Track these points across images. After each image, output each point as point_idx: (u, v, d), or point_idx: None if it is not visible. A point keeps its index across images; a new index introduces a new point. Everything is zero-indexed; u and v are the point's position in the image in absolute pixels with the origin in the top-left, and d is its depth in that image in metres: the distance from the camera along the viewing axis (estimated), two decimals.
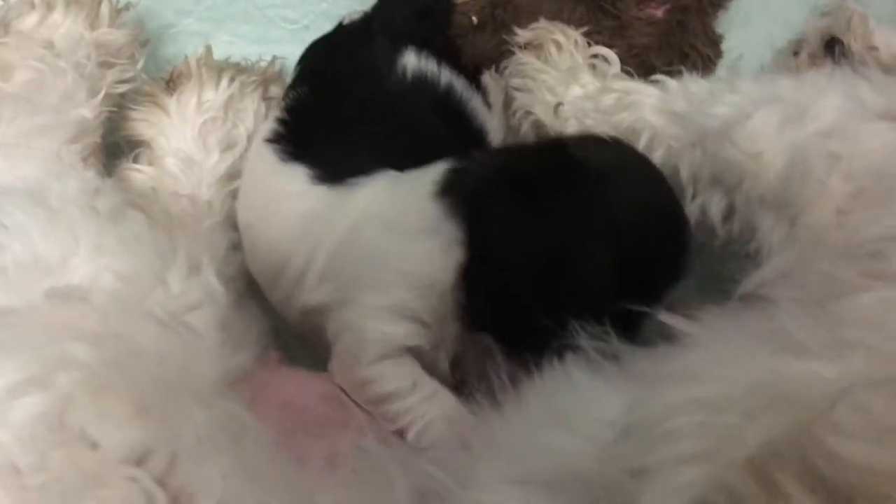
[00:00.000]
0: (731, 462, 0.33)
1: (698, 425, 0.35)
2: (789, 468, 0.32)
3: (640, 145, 0.75)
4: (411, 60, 0.77)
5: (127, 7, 0.82)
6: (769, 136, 0.62)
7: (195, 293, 0.53)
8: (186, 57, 0.82)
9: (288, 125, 0.76)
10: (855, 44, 0.81)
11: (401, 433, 0.62)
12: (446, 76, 0.78)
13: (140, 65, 0.81)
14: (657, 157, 0.73)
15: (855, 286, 0.48)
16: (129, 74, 0.79)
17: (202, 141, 0.78)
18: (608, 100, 0.80)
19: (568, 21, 0.86)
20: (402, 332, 0.64)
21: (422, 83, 0.77)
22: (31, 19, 0.75)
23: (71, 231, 0.53)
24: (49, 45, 0.73)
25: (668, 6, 0.88)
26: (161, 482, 0.42)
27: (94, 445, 0.42)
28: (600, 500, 0.37)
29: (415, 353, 0.65)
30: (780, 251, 0.59)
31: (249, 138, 0.80)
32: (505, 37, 0.86)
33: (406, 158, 0.71)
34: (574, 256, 0.60)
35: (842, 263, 0.51)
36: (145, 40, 0.84)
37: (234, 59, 0.85)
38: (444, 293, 0.64)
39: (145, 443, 0.43)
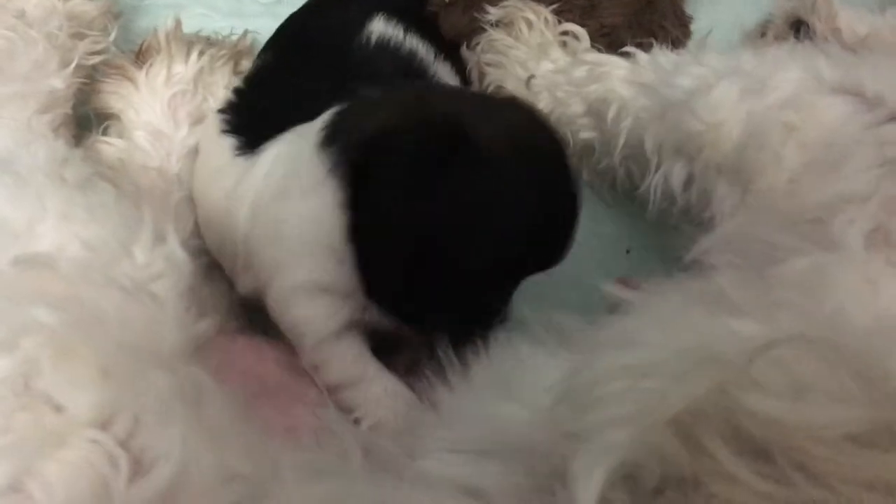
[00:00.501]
0: (656, 424, 0.34)
1: (625, 390, 0.36)
2: (713, 427, 0.33)
3: (609, 115, 0.76)
4: (382, 27, 0.76)
5: None
6: (729, 107, 0.63)
7: (160, 263, 0.53)
8: (156, 30, 0.81)
9: (241, 94, 0.74)
10: (819, 25, 0.82)
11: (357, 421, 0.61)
12: (416, 45, 0.77)
13: (112, 37, 0.81)
14: (625, 126, 0.74)
15: (793, 251, 0.49)
16: (101, 46, 0.79)
17: (171, 114, 0.78)
18: (579, 72, 0.81)
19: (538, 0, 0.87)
20: (322, 311, 0.62)
21: (391, 51, 0.76)
22: None
23: (38, 198, 0.53)
24: (21, 15, 0.73)
25: None
26: (124, 445, 0.43)
27: (59, 408, 0.43)
28: (538, 465, 0.38)
29: (356, 324, 0.63)
30: (728, 218, 0.60)
31: None
32: (476, 14, 0.87)
33: None
34: (452, 237, 0.58)
35: (784, 230, 0.52)
36: (118, 12, 0.84)
37: (206, 33, 0.85)
38: (343, 258, 0.60)
39: (109, 406, 0.43)
